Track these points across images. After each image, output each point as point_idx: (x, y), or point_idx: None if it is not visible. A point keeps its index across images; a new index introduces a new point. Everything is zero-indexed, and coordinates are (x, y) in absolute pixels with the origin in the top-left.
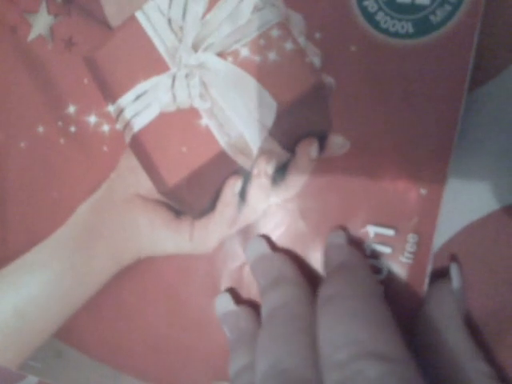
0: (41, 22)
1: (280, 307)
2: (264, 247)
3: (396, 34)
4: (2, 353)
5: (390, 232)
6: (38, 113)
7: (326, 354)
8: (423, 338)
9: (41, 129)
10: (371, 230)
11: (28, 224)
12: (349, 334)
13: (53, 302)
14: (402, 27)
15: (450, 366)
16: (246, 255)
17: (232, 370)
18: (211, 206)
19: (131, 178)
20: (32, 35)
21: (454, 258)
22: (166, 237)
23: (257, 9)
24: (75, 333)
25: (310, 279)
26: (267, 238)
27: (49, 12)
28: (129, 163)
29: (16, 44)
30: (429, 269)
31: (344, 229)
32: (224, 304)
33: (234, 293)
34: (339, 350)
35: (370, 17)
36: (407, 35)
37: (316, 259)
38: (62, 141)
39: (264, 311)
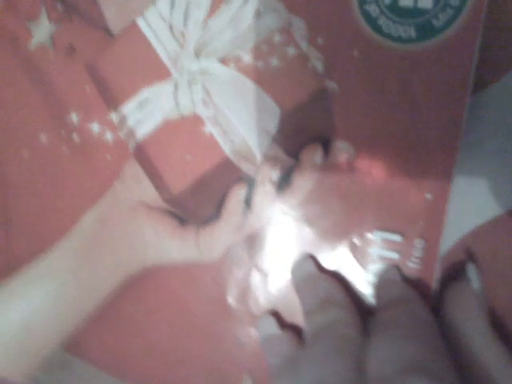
0: (41, 30)
1: (326, 328)
2: (311, 267)
3: (399, 39)
4: (8, 364)
5: (397, 237)
6: (40, 121)
7: (374, 369)
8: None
9: (43, 137)
10: (378, 236)
11: (32, 233)
12: (400, 352)
13: (59, 312)
14: (405, 31)
15: (483, 371)
16: (292, 273)
17: (307, 331)
18: (216, 214)
19: (135, 186)
20: (33, 43)
21: (470, 257)
22: (171, 245)
23: (258, 14)
24: (81, 343)
25: None
26: (313, 258)
27: (49, 19)
28: (133, 171)
29: (17, 52)
30: (436, 273)
31: (397, 266)
32: (267, 327)
33: (277, 316)
34: (388, 365)
35: (372, 21)
36: (410, 39)
37: (323, 265)
38: (64, 149)
39: (309, 331)
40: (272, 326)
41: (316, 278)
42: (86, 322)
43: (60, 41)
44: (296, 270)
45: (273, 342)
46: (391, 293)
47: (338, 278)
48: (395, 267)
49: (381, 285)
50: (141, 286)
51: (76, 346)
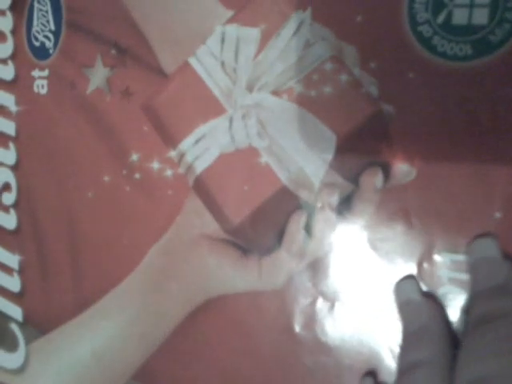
0: (97, 76)
1: (421, 363)
2: (414, 291)
3: (454, 57)
4: None
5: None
6: (102, 163)
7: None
8: None
9: (106, 178)
10: (447, 258)
11: (101, 271)
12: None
13: (129, 344)
14: (460, 50)
15: None
16: (395, 294)
17: (403, 361)
18: (277, 243)
19: (197, 219)
20: (90, 88)
21: None
22: (234, 275)
23: (308, 45)
24: (152, 374)
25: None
26: (417, 282)
27: (104, 65)
28: (194, 205)
29: (76, 98)
30: None
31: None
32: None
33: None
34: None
35: (425, 42)
36: (466, 57)
37: (389, 289)
38: (127, 188)
39: (403, 360)
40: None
41: (417, 304)
42: (156, 352)
43: (116, 84)
44: (399, 291)
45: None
46: (491, 277)
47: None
48: (492, 240)
49: (477, 264)
50: (207, 315)
51: (147, 376)
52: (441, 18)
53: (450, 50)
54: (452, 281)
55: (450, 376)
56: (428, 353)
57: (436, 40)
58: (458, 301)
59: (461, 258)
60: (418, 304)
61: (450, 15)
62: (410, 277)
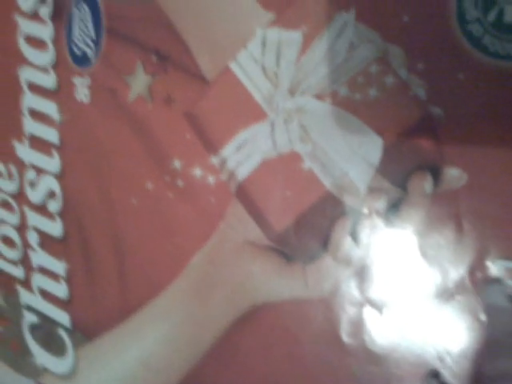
0: (139, 83)
1: None
2: (502, 298)
3: (507, 57)
4: None
5: None
6: (145, 170)
7: None
8: None
9: (149, 185)
10: (500, 265)
11: (146, 278)
12: None
13: (175, 351)
14: None
15: None
16: (482, 296)
17: (491, 368)
18: (322, 250)
19: (240, 226)
20: (131, 96)
21: None
22: (279, 283)
23: (353, 47)
24: (199, 382)
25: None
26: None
27: (145, 72)
28: (236, 212)
29: (118, 106)
30: None
31: (502, 283)
32: (496, 296)
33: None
34: None
35: (476, 41)
36: None
37: (438, 297)
38: (170, 195)
39: (492, 367)
40: (501, 296)
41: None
42: (202, 360)
43: (157, 91)
44: (489, 294)
45: (498, 313)
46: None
47: None
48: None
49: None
50: (253, 323)
51: (190, 381)
52: (492, 16)
53: (501, 49)
54: None
55: None
56: None
57: (487, 39)
58: None
59: None
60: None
61: (501, 13)
62: (497, 280)
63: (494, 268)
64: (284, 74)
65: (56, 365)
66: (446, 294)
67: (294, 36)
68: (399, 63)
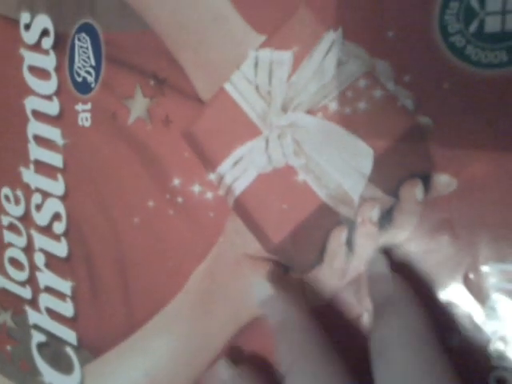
0: (138, 106)
1: (392, 336)
2: (383, 266)
3: (489, 65)
4: None
5: None
6: (146, 189)
7: None
8: None
9: (151, 203)
10: (495, 268)
11: (149, 294)
12: None
13: (180, 365)
14: (495, 57)
15: None
16: (366, 269)
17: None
18: (319, 260)
19: (238, 239)
20: (131, 119)
21: None
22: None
23: (341, 63)
24: None
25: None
26: (389, 257)
27: (144, 95)
28: (235, 226)
29: (118, 129)
30: None
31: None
32: (262, 291)
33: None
34: None
35: (459, 52)
36: (501, 64)
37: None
38: (171, 212)
39: (375, 337)
40: (265, 290)
41: (386, 278)
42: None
43: (156, 113)
44: (370, 266)
45: (270, 304)
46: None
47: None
48: (383, 256)
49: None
50: (253, 333)
51: None
52: (473, 28)
53: (484, 58)
54: (502, 291)
55: None
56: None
57: (469, 49)
58: (508, 311)
59: (509, 267)
60: (387, 277)
61: (482, 24)
62: (380, 255)
63: (488, 270)
64: (276, 92)
65: (64, 382)
66: (441, 299)
67: (285, 56)
68: (386, 77)
